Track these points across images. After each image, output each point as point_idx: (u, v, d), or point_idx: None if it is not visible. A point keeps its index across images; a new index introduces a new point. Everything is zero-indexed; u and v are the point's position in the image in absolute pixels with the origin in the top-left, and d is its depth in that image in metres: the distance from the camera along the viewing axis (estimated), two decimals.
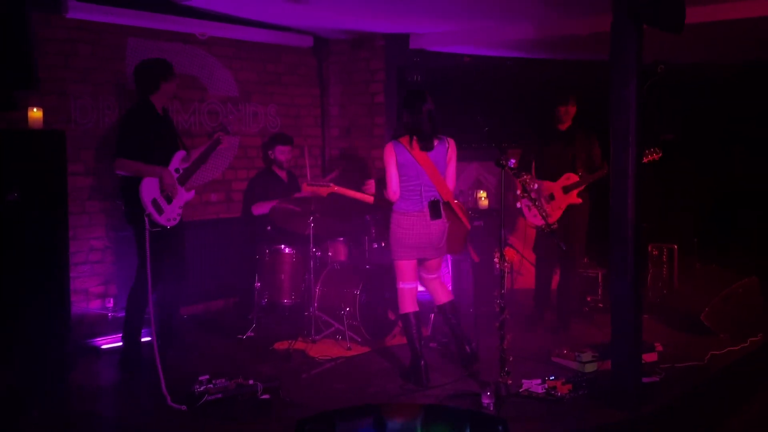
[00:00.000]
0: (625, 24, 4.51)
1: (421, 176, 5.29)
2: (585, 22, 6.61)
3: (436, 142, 5.33)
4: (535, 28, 7.05)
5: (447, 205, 5.41)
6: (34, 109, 5.24)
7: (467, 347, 5.51)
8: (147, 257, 5.21)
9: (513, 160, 5.13)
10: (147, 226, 5.35)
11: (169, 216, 5.61)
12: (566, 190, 6.46)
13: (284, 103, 8.19)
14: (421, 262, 5.49)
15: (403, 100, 5.41)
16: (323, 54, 8.42)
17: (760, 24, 6.21)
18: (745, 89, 8.21)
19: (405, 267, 5.39)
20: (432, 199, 5.31)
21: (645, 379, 4.96)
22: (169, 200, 5.61)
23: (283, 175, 7.25)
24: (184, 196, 5.75)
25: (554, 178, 6.47)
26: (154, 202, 5.52)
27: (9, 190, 4.72)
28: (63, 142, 5.07)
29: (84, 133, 6.47)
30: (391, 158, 5.28)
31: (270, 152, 7.24)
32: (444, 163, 5.37)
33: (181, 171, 5.75)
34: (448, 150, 5.39)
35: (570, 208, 6.29)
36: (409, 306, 5.42)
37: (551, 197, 6.44)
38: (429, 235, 5.34)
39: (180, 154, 5.76)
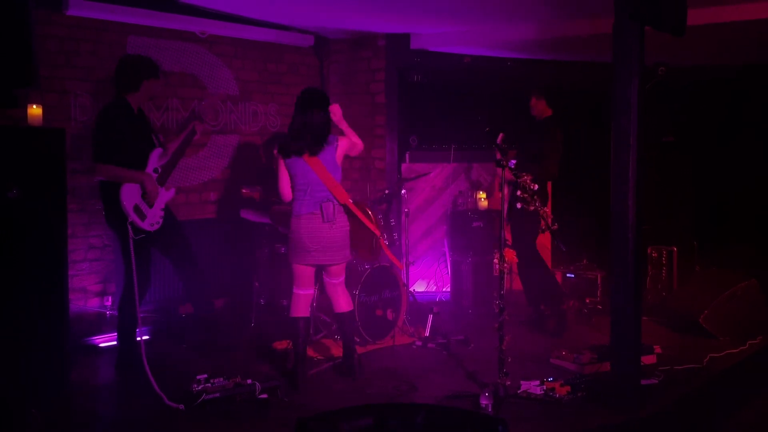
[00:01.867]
0: (627, 26, 4.51)
1: (309, 177, 5.20)
2: (586, 24, 6.61)
3: (325, 145, 5.22)
4: (537, 29, 7.05)
5: (345, 207, 5.31)
6: (34, 107, 5.22)
7: (354, 358, 5.42)
8: (132, 265, 5.11)
9: (513, 161, 5.10)
10: (131, 234, 5.20)
11: (152, 220, 5.44)
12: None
13: (285, 102, 8.18)
14: (323, 267, 5.41)
15: (297, 104, 5.28)
16: (324, 53, 8.41)
17: (762, 26, 6.21)
18: (746, 91, 8.22)
19: (299, 272, 5.34)
20: (325, 200, 5.21)
21: (644, 381, 4.96)
22: (151, 204, 5.43)
23: None
24: (164, 196, 5.54)
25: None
26: (137, 209, 5.34)
27: (8, 187, 4.70)
28: (63, 139, 5.04)
29: (84, 131, 6.46)
30: (280, 163, 5.25)
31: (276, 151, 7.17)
32: (335, 164, 5.25)
33: (159, 170, 5.54)
34: (337, 149, 5.26)
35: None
36: (300, 311, 5.35)
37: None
38: (323, 240, 5.21)
39: (157, 152, 5.54)
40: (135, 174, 5.36)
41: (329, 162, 5.23)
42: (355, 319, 5.74)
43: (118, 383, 5.39)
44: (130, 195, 5.32)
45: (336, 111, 5.34)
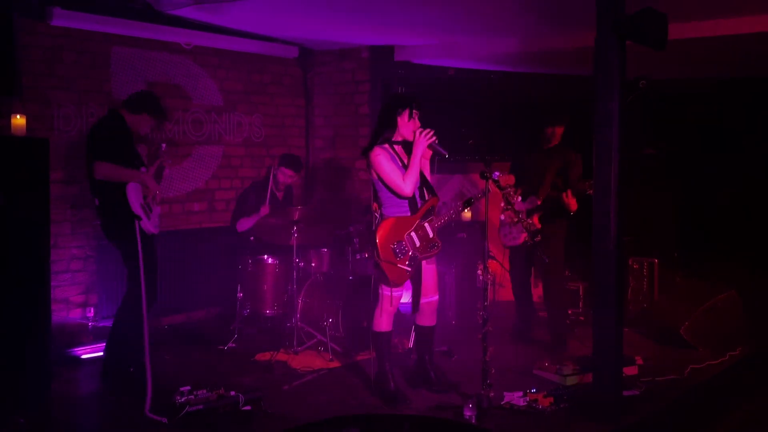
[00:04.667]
0: (609, 39, 4.55)
1: None
2: (569, 37, 6.67)
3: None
4: (520, 42, 7.11)
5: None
6: (17, 116, 5.20)
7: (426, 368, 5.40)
8: (141, 266, 4.96)
9: (497, 173, 5.13)
10: (137, 232, 5.10)
11: (154, 224, 5.39)
12: (529, 213, 6.23)
13: (269, 113, 8.20)
14: None
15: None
16: (308, 65, 8.44)
17: (741, 41, 6.30)
18: (726, 105, 8.31)
19: None
20: None
21: (625, 393, 4.98)
22: (153, 203, 5.41)
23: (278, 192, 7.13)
24: (156, 209, 5.51)
25: (524, 198, 6.21)
26: (143, 207, 5.29)
27: None
28: (46, 149, 5.02)
29: (67, 141, 6.44)
30: None
31: (273, 168, 7.12)
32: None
33: None
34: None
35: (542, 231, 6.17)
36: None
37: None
38: None
39: (143, 169, 5.42)
40: (135, 172, 5.30)
41: None
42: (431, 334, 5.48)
43: (101, 394, 5.35)
44: (135, 194, 5.25)
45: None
